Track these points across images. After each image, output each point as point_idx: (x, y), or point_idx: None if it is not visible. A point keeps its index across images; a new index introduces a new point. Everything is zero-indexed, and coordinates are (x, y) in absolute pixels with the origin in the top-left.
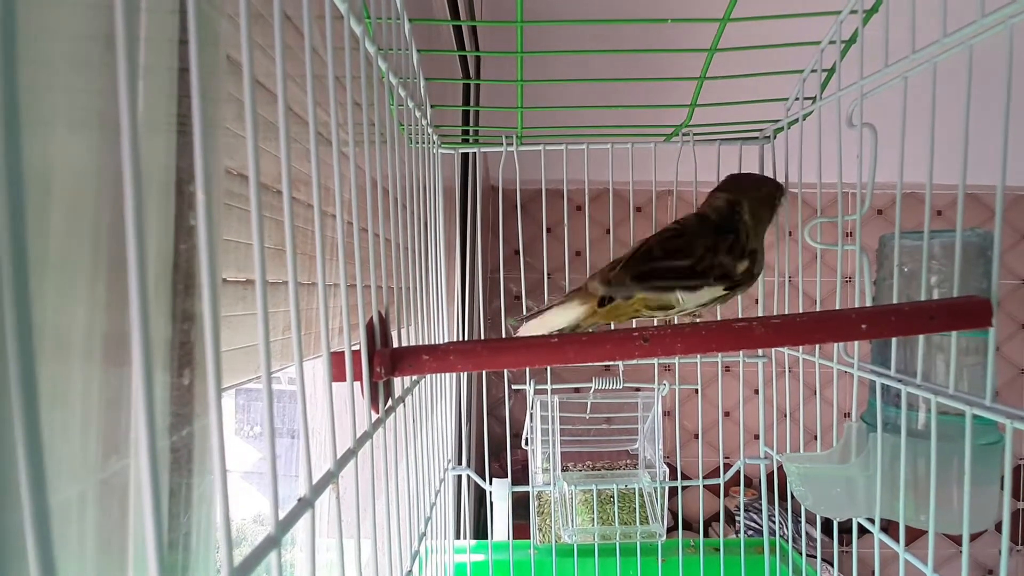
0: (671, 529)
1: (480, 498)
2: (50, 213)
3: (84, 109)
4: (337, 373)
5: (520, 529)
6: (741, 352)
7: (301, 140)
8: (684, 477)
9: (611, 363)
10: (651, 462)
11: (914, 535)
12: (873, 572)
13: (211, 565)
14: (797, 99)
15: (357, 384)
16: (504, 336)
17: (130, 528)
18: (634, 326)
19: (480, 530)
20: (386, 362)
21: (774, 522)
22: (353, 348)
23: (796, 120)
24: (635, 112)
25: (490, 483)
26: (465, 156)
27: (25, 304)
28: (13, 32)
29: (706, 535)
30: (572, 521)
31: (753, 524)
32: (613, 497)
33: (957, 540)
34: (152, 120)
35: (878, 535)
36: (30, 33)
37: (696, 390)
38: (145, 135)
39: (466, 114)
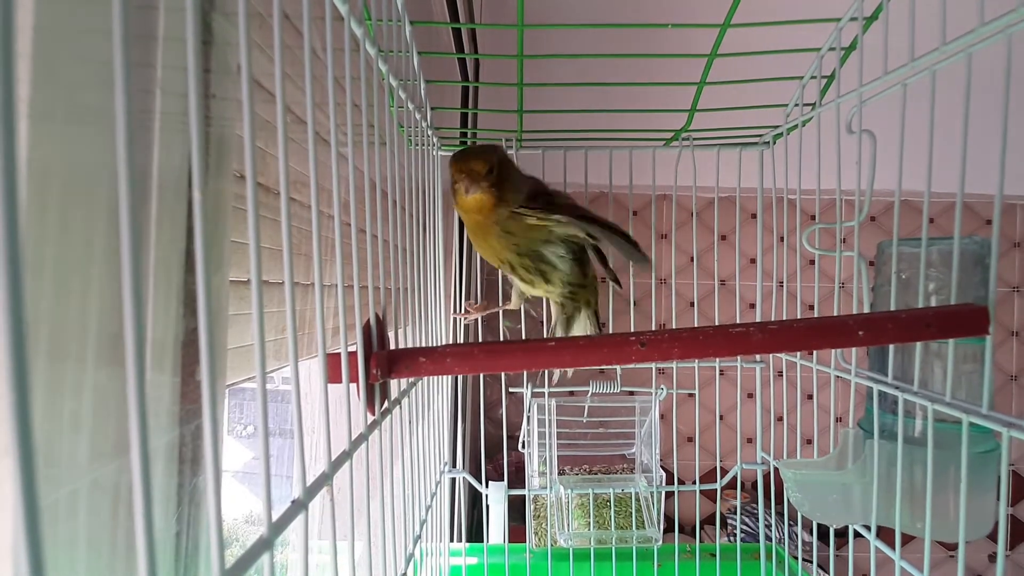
0: (664, 532)
1: (475, 500)
2: (52, 210)
3: (87, 105)
4: (333, 374)
5: (516, 532)
6: (739, 356)
7: (302, 142)
8: (678, 481)
9: (608, 367)
10: (647, 466)
11: (905, 540)
12: None
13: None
14: (797, 105)
15: (353, 385)
16: (501, 339)
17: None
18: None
19: (475, 533)
20: (382, 364)
21: (770, 527)
22: (350, 349)
23: (795, 126)
24: (635, 116)
25: (486, 486)
26: None
27: (19, 302)
28: (12, 31)
29: (698, 538)
30: (568, 525)
31: (746, 528)
32: (609, 501)
33: (947, 545)
34: (167, 120)
35: (874, 542)
36: (39, 26)
37: (692, 394)
38: (160, 135)
39: (464, 116)
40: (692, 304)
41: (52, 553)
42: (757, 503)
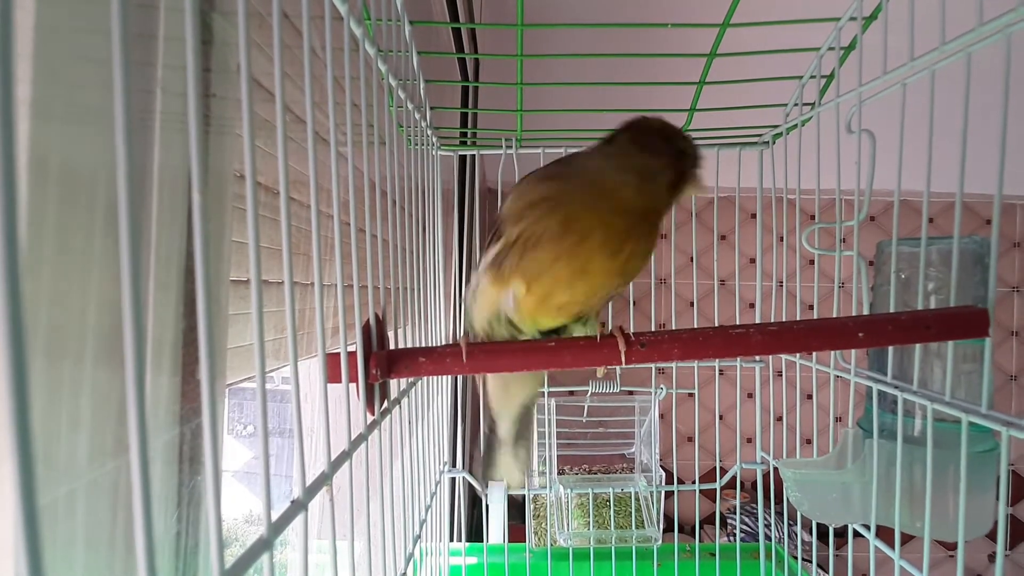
0: (664, 531)
1: (475, 500)
2: (52, 210)
3: (87, 105)
4: (333, 374)
5: (515, 532)
6: (739, 356)
7: (302, 141)
8: (678, 481)
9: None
10: (647, 466)
11: (905, 539)
12: None
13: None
14: (796, 105)
15: (353, 385)
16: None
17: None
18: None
19: (475, 532)
20: (382, 364)
21: (769, 527)
22: (349, 349)
23: (795, 126)
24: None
25: (486, 486)
26: (463, 158)
27: (18, 302)
28: (12, 31)
29: (697, 538)
30: (568, 524)
31: (746, 527)
32: (609, 501)
33: (947, 545)
34: (167, 120)
35: (873, 541)
36: (40, 27)
37: (691, 394)
38: (160, 134)
39: (464, 116)
40: (692, 304)
41: (51, 553)
42: (756, 503)
